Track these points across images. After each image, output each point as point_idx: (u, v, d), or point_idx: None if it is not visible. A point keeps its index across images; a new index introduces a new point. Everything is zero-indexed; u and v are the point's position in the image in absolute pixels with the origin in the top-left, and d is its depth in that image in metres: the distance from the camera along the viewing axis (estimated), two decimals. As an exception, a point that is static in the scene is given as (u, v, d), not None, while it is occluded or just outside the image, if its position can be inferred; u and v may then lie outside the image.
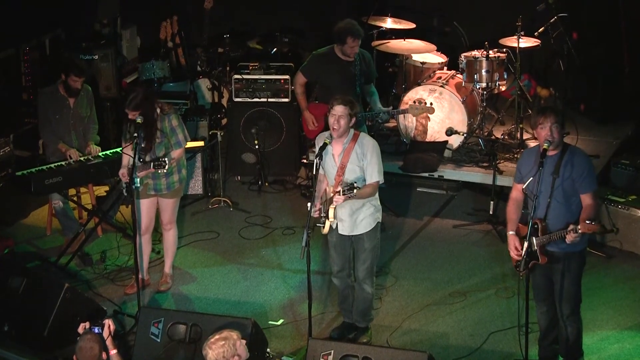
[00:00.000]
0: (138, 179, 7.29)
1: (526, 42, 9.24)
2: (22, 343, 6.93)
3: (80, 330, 5.90)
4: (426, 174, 9.03)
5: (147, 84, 9.96)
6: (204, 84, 10.42)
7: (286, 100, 9.72)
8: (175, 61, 10.77)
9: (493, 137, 9.36)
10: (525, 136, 9.24)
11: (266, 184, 9.67)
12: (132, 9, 11.02)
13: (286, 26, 11.12)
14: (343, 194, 6.46)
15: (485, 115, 9.36)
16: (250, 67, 9.82)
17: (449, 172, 9.03)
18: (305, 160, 9.62)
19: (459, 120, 9.05)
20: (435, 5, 10.68)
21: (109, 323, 5.94)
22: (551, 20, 9.32)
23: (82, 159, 8.26)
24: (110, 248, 8.49)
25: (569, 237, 6.03)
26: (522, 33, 9.09)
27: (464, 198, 9.40)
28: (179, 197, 7.75)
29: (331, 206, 6.66)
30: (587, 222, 5.98)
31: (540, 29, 9.34)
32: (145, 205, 7.61)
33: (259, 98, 9.70)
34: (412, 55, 9.64)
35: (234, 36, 10.49)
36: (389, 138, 9.62)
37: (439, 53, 9.81)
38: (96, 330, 5.85)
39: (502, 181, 8.66)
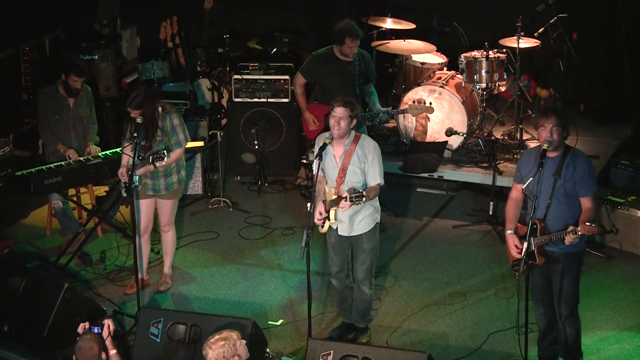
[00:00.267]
0: (137, 177, 7.28)
1: (526, 43, 9.24)
2: (22, 343, 6.94)
3: (80, 330, 5.91)
4: (426, 175, 9.03)
5: (147, 84, 9.96)
6: (204, 84, 10.42)
7: (286, 100, 9.72)
8: (175, 61, 10.77)
9: (493, 138, 9.36)
10: (525, 137, 9.24)
11: (266, 184, 9.67)
12: (132, 9, 11.04)
13: (286, 26, 11.12)
14: (350, 201, 6.46)
15: (485, 115, 9.36)
16: (250, 68, 9.81)
17: (449, 173, 9.03)
18: (305, 161, 9.63)
19: (459, 120, 9.05)
20: (435, 5, 10.67)
21: (108, 323, 5.94)
22: (551, 21, 9.33)
23: (82, 159, 8.26)
24: (109, 248, 8.49)
25: (568, 239, 6.04)
26: (522, 33, 9.09)
27: (464, 198, 9.40)
28: (178, 198, 7.74)
29: (333, 208, 6.67)
30: (587, 224, 5.99)
31: (540, 30, 9.35)
32: (144, 206, 7.60)
33: (259, 98, 9.70)
34: (412, 55, 9.64)
35: (234, 36, 10.49)
36: (389, 138, 9.62)
37: (439, 53, 9.81)
38: (96, 330, 5.85)
39: (501, 182, 8.66)
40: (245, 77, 9.71)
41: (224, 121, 10.20)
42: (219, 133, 9.39)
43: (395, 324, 7.32)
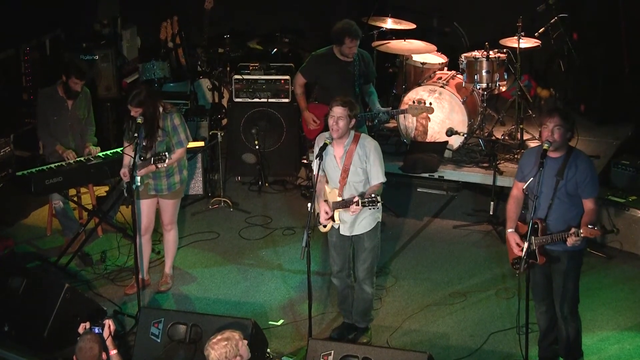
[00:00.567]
0: (138, 178, 7.28)
1: (526, 43, 9.24)
2: (22, 343, 6.94)
3: (81, 330, 5.91)
4: (426, 175, 9.03)
5: (148, 84, 9.96)
6: (204, 84, 10.42)
7: (286, 100, 9.72)
8: (175, 61, 10.76)
9: (493, 138, 9.35)
10: (526, 137, 9.24)
11: (266, 184, 9.67)
12: (132, 9, 11.04)
13: (286, 26, 11.12)
14: (363, 206, 6.45)
15: (485, 115, 9.36)
16: (251, 68, 9.82)
17: (449, 173, 9.03)
18: (305, 161, 9.63)
19: (459, 120, 9.05)
20: (435, 5, 10.68)
21: (109, 323, 5.94)
22: (551, 21, 9.34)
23: (82, 159, 8.26)
24: (110, 248, 8.49)
25: (570, 240, 6.04)
26: (523, 33, 9.09)
27: (464, 198, 9.40)
28: (180, 198, 7.75)
29: (337, 210, 6.67)
30: (590, 226, 5.99)
31: (541, 30, 9.35)
32: (146, 206, 7.60)
33: (259, 98, 9.70)
34: (413, 55, 9.64)
35: (234, 36, 10.49)
36: (389, 138, 9.62)
37: (439, 53, 9.81)
38: (96, 331, 5.86)
39: (502, 182, 8.66)
40: (245, 77, 9.71)
41: (224, 121, 10.20)
42: (219, 133, 9.39)
43: (396, 324, 7.32)
